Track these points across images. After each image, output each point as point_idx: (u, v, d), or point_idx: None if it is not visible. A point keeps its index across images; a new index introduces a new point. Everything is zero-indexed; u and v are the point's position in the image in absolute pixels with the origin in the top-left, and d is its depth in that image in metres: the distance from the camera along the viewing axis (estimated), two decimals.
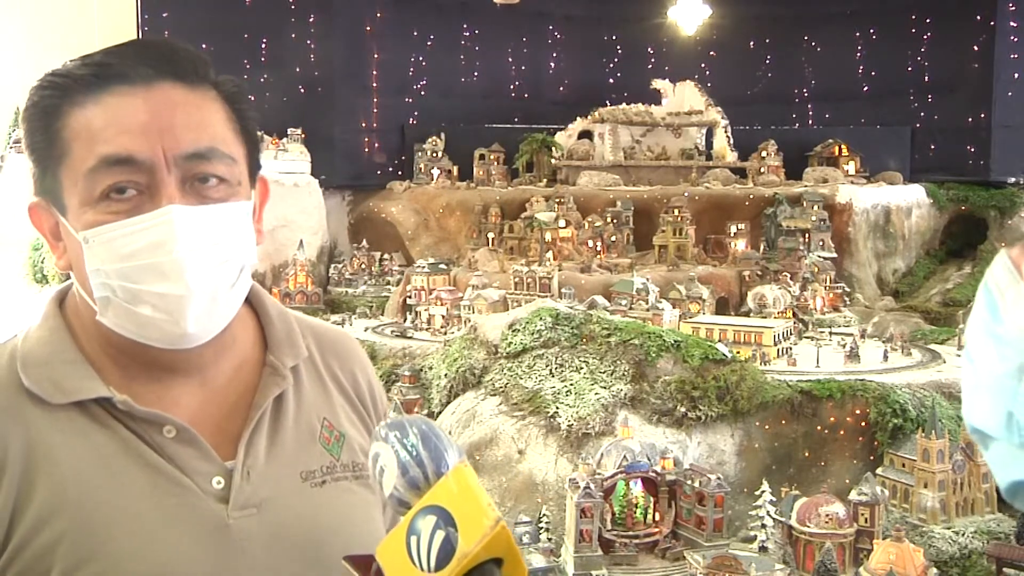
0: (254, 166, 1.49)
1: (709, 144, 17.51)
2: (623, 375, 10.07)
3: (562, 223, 14.46)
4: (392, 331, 12.94)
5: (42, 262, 14.30)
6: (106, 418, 1.39)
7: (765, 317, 12.51)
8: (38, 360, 1.41)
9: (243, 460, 1.43)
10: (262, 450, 1.46)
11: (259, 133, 1.56)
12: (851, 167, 16.93)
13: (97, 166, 1.35)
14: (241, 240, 1.43)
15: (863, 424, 9.84)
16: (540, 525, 8.80)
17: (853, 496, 8.80)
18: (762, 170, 16.54)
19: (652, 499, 8.90)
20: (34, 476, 1.33)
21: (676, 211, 14.65)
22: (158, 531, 1.35)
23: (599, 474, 8.68)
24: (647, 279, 12.63)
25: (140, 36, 15.25)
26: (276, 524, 1.42)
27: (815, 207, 14.71)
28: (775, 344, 11.34)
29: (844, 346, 11.65)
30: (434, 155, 16.96)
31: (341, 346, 1.67)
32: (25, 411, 1.37)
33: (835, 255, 14.60)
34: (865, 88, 18.23)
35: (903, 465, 9.54)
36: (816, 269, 13.91)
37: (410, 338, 12.50)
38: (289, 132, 15.34)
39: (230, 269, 1.41)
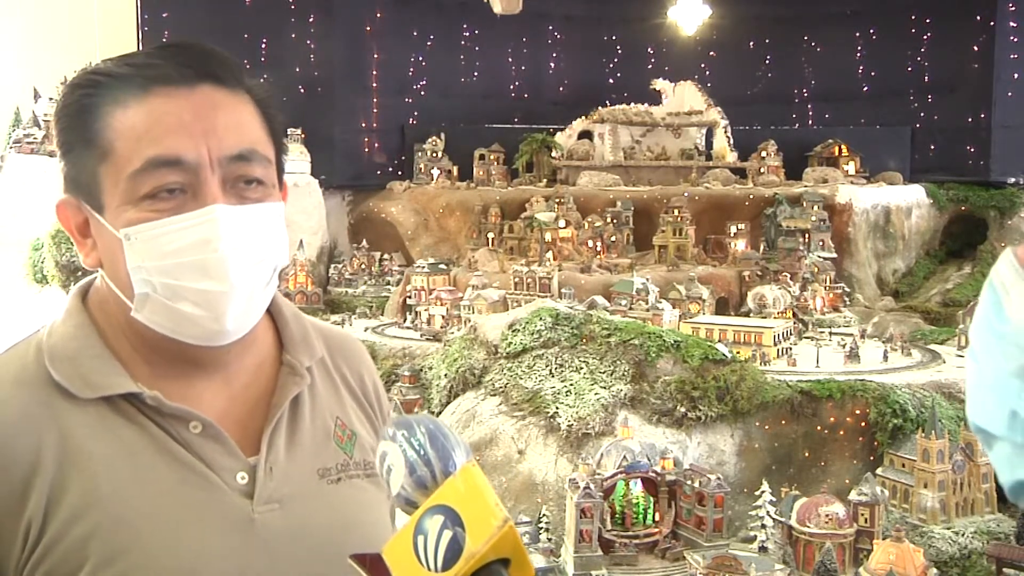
0: (281, 169, 1.53)
1: (709, 144, 17.50)
2: (623, 375, 10.07)
3: (562, 223, 14.45)
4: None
5: (42, 262, 14.28)
6: (134, 414, 1.42)
7: (765, 317, 12.50)
8: (65, 355, 1.43)
9: (266, 456, 1.47)
10: (282, 447, 1.50)
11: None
12: (851, 167, 16.91)
13: (144, 167, 1.37)
14: (275, 240, 1.47)
15: (863, 424, 9.84)
16: (540, 525, 8.80)
17: (853, 496, 8.79)
18: (762, 170, 16.53)
19: (652, 499, 8.90)
20: (68, 470, 1.35)
21: (676, 211, 14.64)
22: (187, 526, 1.38)
23: (599, 474, 8.68)
24: (647, 279, 12.62)
25: (140, 36, 15.26)
26: (297, 519, 1.46)
27: (815, 207, 14.71)
28: (775, 344, 11.33)
29: (844, 346, 11.65)
30: (434, 155, 16.95)
31: (349, 348, 1.73)
32: (55, 406, 1.39)
33: (835, 255, 14.59)
34: (865, 88, 18.22)
35: (903, 465, 9.54)
36: (816, 269, 13.91)
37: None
38: (289, 132, 15.31)
39: (265, 268, 1.46)
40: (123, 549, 1.33)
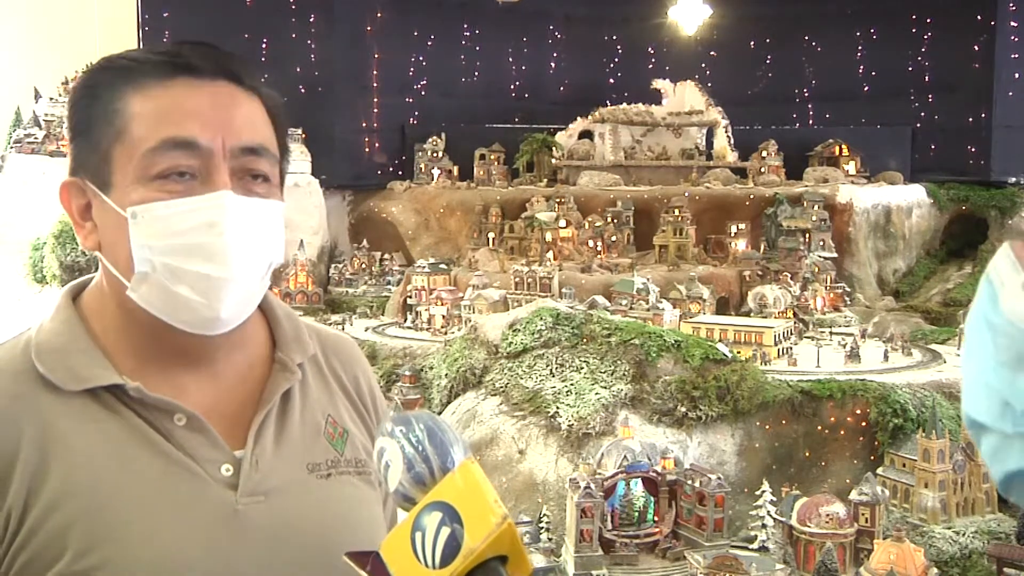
0: (283, 174, 1.57)
1: (709, 144, 17.50)
2: (623, 375, 10.07)
3: (562, 223, 14.46)
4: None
5: (42, 261, 14.28)
6: (118, 405, 1.43)
7: (765, 317, 12.50)
8: (52, 348, 1.45)
9: (252, 449, 1.48)
10: (270, 441, 1.50)
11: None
12: (851, 167, 16.93)
13: (159, 146, 1.40)
14: (275, 237, 1.50)
15: (863, 424, 9.84)
16: (540, 525, 8.80)
17: (854, 496, 8.79)
18: (762, 170, 16.54)
19: (653, 499, 8.90)
20: (48, 461, 1.37)
21: (676, 211, 14.65)
22: (168, 517, 1.38)
23: (599, 474, 8.68)
24: (647, 279, 12.62)
25: (140, 36, 15.26)
26: (283, 513, 1.46)
27: (815, 207, 14.71)
28: (775, 344, 11.33)
29: (844, 346, 11.65)
30: (434, 155, 16.97)
31: (344, 348, 1.74)
32: (40, 398, 1.41)
33: (835, 255, 14.59)
34: (865, 88, 18.23)
35: (903, 465, 9.54)
36: (816, 269, 13.91)
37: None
38: (290, 132, 15.31)
39: (263, 262, 1.48)
40: (102, 539, 1.34)
